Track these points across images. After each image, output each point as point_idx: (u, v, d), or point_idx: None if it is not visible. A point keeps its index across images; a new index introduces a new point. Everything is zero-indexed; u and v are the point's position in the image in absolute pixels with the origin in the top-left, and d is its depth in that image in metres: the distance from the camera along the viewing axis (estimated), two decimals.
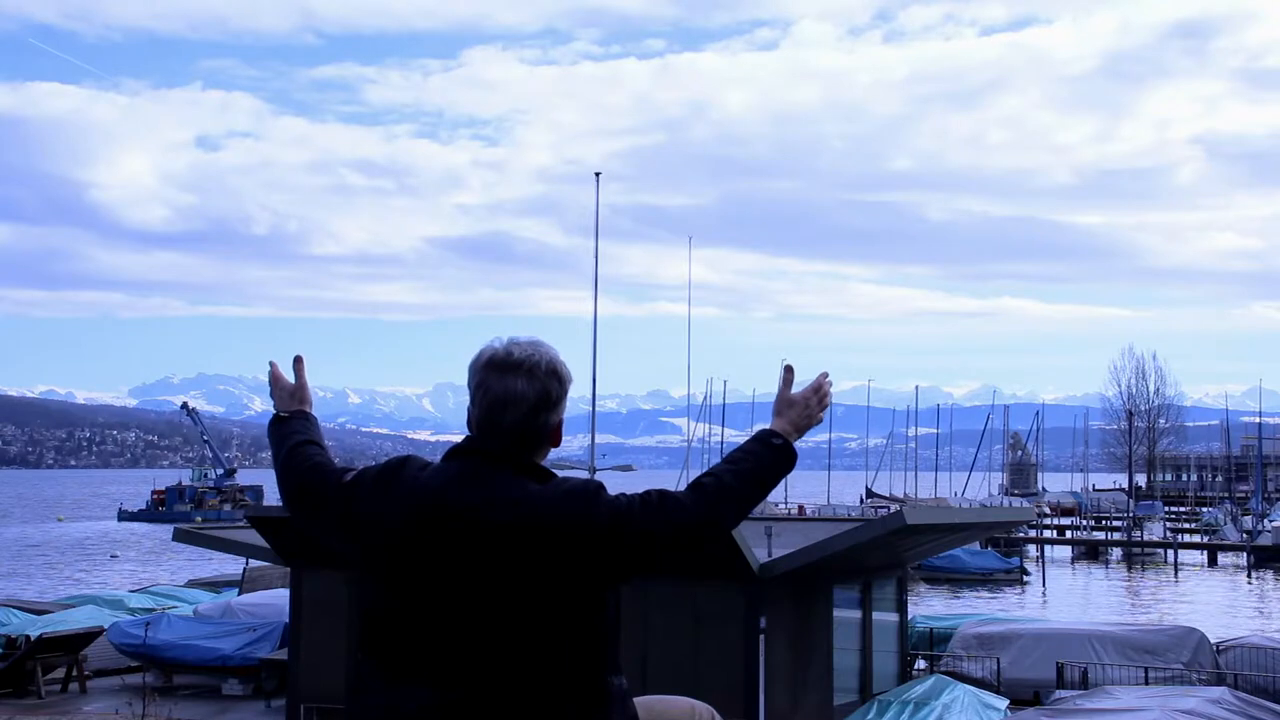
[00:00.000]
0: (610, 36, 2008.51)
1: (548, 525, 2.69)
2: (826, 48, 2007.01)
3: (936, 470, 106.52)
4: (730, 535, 14.11)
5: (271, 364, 3.37)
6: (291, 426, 3.21)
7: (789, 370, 2.98)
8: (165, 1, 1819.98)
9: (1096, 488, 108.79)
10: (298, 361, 3.38)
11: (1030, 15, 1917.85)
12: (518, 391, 2.80)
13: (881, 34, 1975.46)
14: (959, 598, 43.27)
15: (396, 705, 2.74)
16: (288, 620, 18.36)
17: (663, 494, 2.78)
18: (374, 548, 2.84)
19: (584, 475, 2.85)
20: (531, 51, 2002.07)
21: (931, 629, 23.74)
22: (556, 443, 2.90)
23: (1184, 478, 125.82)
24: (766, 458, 2.86)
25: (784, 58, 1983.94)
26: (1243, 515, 75.60)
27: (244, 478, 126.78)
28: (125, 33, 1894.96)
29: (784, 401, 2.95)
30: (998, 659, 20.73)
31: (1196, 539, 68.58)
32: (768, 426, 2.93)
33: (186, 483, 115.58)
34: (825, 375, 3.00)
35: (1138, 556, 62.53)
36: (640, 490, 2.84)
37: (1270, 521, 66.74)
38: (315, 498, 3.03)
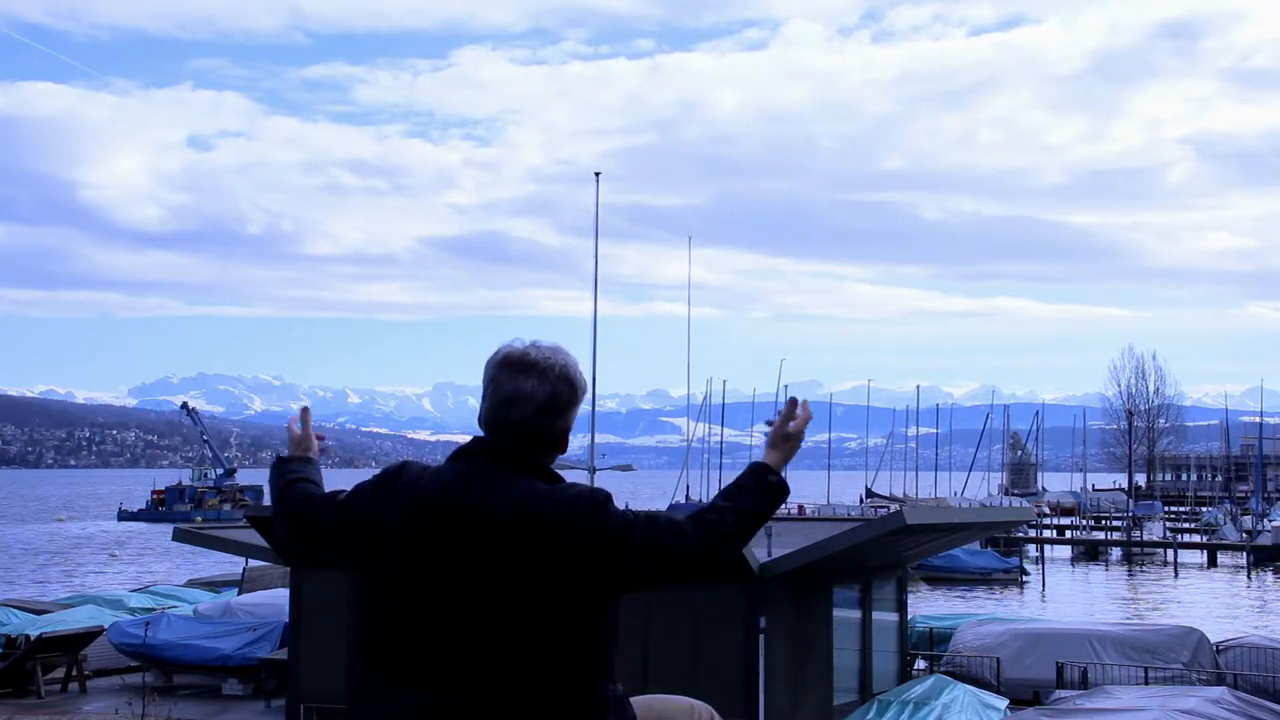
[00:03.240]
0: (599, 36, 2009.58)
1: (550, 526, 2.69)
2: (816, 48, 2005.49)
3: (936, 470, 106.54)
4: None
5: (290, 421, 3.43)
6: (290, 466, 3.25)
7: (793, 403, 2.98)
8: (154, 1, 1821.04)
9: (1096, 488, 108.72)
10: (304, 412, 3.45)
11: (1019, 15, 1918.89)
12: (526, 391, 2.81)
13: (870, 34, 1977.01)
14: (959, 598, 43.25)
15: (397, 708, 2.74)
16: (288, 620, 18.36)
17: (669, 519, 2.79)
18: (378, 552, 2.83)
19: (584, 474, 2.87)
20: (521, 51, 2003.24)
21: (931, 629, 23.75)
22: (563, 449, 2.90)
23: (1184, 478, 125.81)
24: (763, 494, 2.87)
25: (774, 58, 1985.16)
26: (1242, 515, 75.59)
27: (244, 477, 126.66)
28: (114, 32, 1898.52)
29: (781, 435, 2.96)
30: (998, 659, 20.73)
31: (1196, 539, 68.55)
32: (762, 460, 2.94)
33: (186, 482, 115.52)
34: (799, 400, 3.00)
35: (1137, 556, 62.52)
36: (643, 500, 2.84)
37: (1270, 521, 66.72)
38: (310, 524, 3.05)
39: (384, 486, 2.88)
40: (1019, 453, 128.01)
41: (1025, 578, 50.95)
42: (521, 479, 2.77)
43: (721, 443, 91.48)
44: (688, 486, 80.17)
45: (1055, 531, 74.41)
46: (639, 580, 2.75)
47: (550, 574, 2.68)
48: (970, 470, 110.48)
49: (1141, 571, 57.45)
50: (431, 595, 2.73)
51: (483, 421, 2.88)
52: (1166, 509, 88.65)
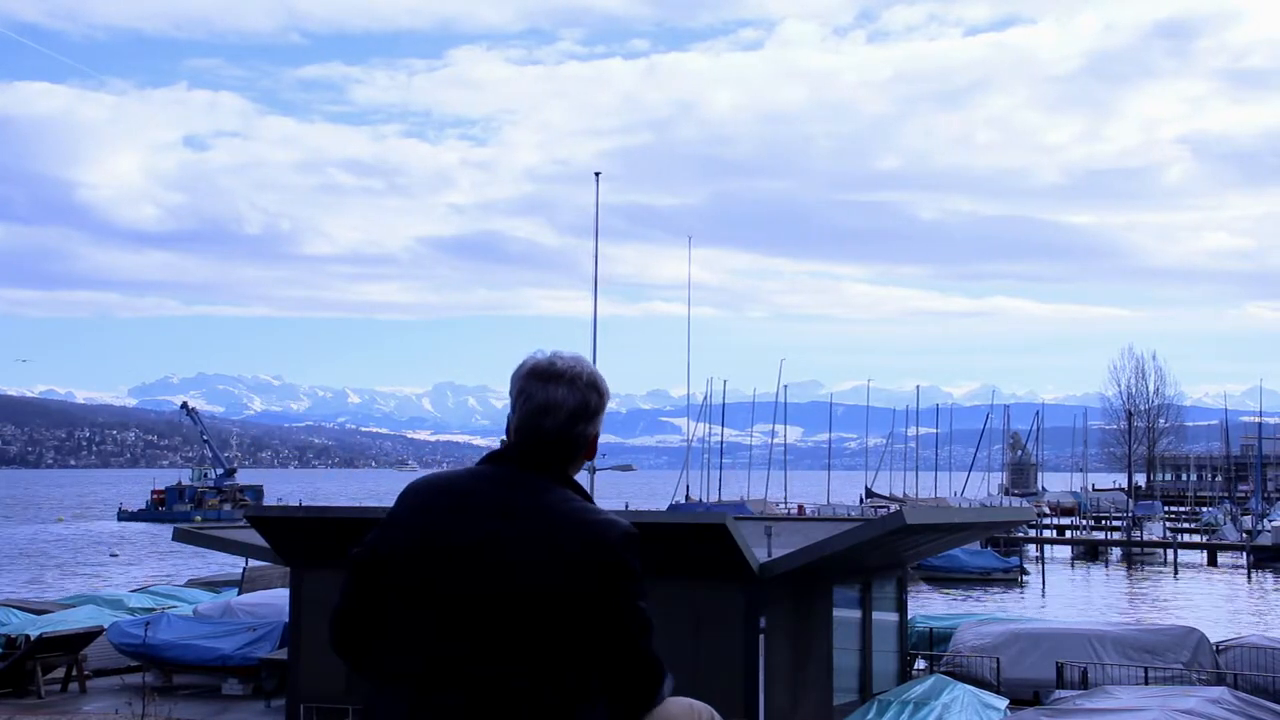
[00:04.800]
0: (594, 36, 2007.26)
1: (570, 536, 2.72)
2: (811, 48, 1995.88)
3: (936, 470, 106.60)
4: (730, 535, 14.13)
5: None
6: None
7: None
8: (150, 1, 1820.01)
9: (1096, 488, 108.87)
10: None
11: (1014, 15, 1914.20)
12: (558, 399, 2.86)
13: (866, 34, 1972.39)
14: (959, 598, 43.27)
15: (411, 709, 2.75)
16: (287, 620, 18.37)
17: (658, 661, 2.83)
18: (410, 553, 2.83)
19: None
20: (516, 51, 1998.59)
21: (931, 629, 23.76)
22: (591, 455, 2.95)
23: (1184, 478, 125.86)
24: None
25: (769, 58, 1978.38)
26: (1242, 515, 75.63)
27: (244, 477, 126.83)
28: (110, 32, 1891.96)
29: None
30: (998, 659, 20.74)
31: (1196, 539, 68.61)
32: None
33: (186, 482, 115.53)
34: None
35: (1137, 556, 62.55)
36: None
37: (1270, 521, 66.74)
38: (354, 614, 2.93)
39: (407, 502, 2.90)
40: (1019, 453, 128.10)
41: (1025, 578, 50.96)
42: (555, 487, 2.82)
43: (722, 443, 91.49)
44: (688, 487, 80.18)
45: (1055, 531, 74.45)
46: (604, 631, 2.72)
47: (552, 583, 2.70)
48: (970, 470, 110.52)
49: (1141, 571, 57.47)
50: (448, 590, 2.76)
51: (513, 430, 2.92)
52: (1166, 509, 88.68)
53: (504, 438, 2.96)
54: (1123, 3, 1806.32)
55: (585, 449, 2.92)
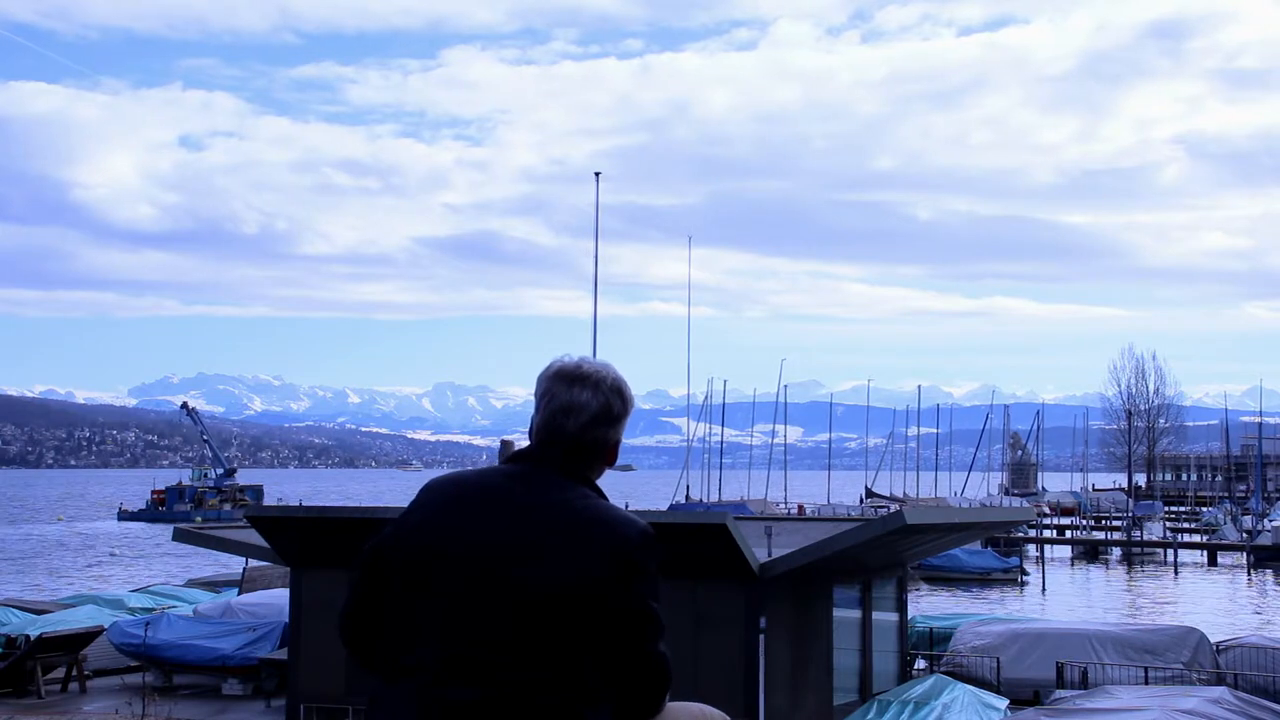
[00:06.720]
0: (588, 36, 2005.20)
1: (586, 531, 2.74)
2: (805, 48, 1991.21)
3: (936, 470, 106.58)
4: (730, 535, 14.13)
5: None
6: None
7: None
8: (142, 0, 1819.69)
9: (1096, 487, 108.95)
10: None
11: (1008, 15, 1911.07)
12: (581, 401, 2.89)
13: (860, 34, 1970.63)
14: (959, 598, 43.26)
15: (424, 704, 2.74)
16: (287, 620, 18.38)
17: (667, 663, 2.89)
18: (426, 554, 2.82)
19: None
20: (510, 51, 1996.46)
21: (931, 629, 23.77)
22: (612, 462, 2.97)
23: (1184, 478, 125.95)
24: None
25: (763, 58, 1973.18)
26: (1242, 515, 75.62)
27: (244, 477, 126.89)
28: (103, 31, 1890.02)
29: None
30: (998, 659, 20.74)
31: (1196, 539, 68.61)
32: None
33: (186, 482, 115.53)
34: None
35: (1137, 556, 62.54)
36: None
37: (1270, 521, 66.74)
38: (364, 611, 2.94)
39: (427, 500, 2.91)
40: (1019, 453, 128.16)
41: (1025, 578, 50.94)
42: (573, 486, 2.85)
43: (722, 443, 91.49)
44: (688, 487, 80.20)
45: (1055, 531, 74.44)
46: (615, 630, 2.74)
47: (567, 580, 2.71)
48: (970, 470, 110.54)
49: (1141, 571, 57.46)
50: (462, 586, 2.76)
51: (534, 430, 2.94)
52: (1166, 509, 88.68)
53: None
54: (1116, 2, 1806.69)
55: (605, 454, 2.94)
